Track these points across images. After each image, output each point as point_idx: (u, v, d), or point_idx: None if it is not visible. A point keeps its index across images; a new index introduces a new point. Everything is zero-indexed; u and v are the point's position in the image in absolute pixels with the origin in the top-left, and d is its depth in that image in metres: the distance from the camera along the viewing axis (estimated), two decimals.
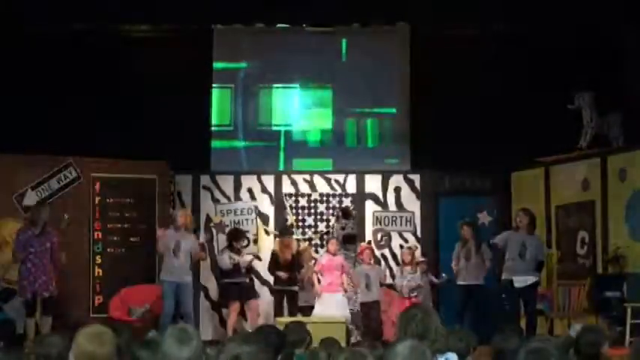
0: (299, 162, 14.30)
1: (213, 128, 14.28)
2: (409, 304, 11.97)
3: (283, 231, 13.23)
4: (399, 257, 13.62)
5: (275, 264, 12.57)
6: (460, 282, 12.06)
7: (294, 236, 13.31)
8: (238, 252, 12.42)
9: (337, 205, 13.89)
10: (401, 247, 13.51)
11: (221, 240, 13.63)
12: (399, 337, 4.10)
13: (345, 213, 13.25)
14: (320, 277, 11.90)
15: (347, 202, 13.92)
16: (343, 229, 12.96)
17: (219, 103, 14.33)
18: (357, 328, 12.03)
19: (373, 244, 13.36)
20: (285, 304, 12.48)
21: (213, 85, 14.31)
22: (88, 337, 4.00)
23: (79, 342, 4.00)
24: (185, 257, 11.54)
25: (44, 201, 12.06)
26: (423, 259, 12.76)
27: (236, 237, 12.59)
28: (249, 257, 12.54)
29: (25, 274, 10.87)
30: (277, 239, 13.00)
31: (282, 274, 12.39)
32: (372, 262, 12.53)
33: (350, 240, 12.73)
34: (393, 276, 13.17)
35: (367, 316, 12.07)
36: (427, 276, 12.61)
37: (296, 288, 12.48)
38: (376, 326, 12.06)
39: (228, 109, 14.34)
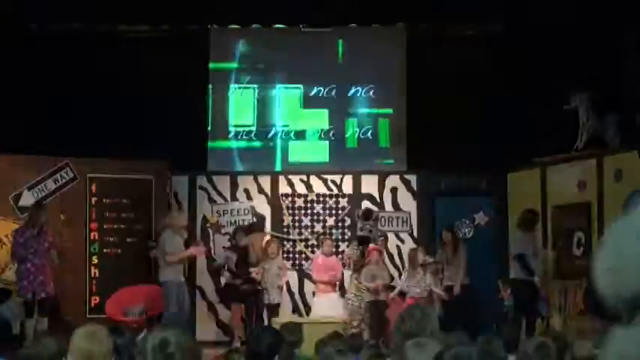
0: (295, 162, 14.30)
1: (209, 129, 14.28)
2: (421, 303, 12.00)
3: (254, 227, 13.11)
4: (395, 257, 13.65)
5: (244, 261, 12.40)
6: (445, 283, 12.29)
7: (269, 234, 13.15)
8: None
9: (334, 206, 13.90)
10: (397, 247, 13.53)
11: (217, 240, 13.66)
12: (394, 335, 4.17)
13: (365, 214, 13.16)
14: (315, 277, 11.93)
15: (343, 202, 13.92)
16: (361, 229, 12.88)
17: (216, 104, 14.33)
18: (348, 323, 11.88)
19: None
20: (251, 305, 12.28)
21: (210, 85, 14.31)
22: (84, 336, 4.01)
23: (75, 341, 4.02)
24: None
25: (41, 201, 12.06)
26: (431, 260, 12.59)
27: None
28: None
29: (24, 274, 10.91)
30: (247, 236, 12.77)
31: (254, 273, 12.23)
32: (378, 262, 12.32)
33: (364, 241, 12.60)
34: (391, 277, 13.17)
35: (373, 315, 11.92)
36: (437, 278, 12.46)
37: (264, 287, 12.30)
38: (381, 325, 11.92)
39: (224, 110, 14.34)
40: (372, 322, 11.94)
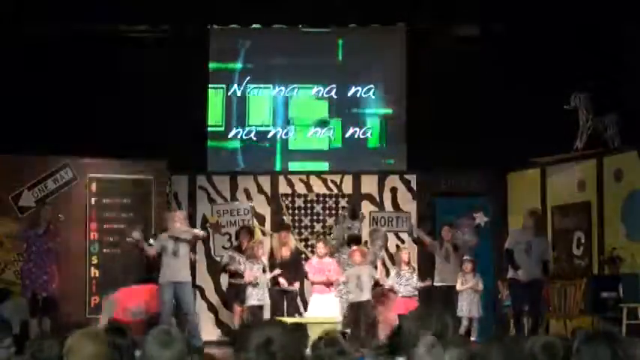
0: (295, 162, 14.31)
1: (209, 129, 14.27)
2: (413, 303, 11.94)
3: (279, 226, 13.07)
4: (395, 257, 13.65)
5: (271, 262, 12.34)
6: (439, 283, 12.07)
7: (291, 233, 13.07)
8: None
9: (334, 206, 13.89)
10: (397, 247, 13.52)
11: (217, 240, 13.66)
12: (417, 334, 4.13)
13: (353, 214, 13.09)
14: (310, 278, 11.91)
15: (343, 202, 13.91)
16: (349, 229, 12.82)
17: (215, 104, 14.33)
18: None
19: (369, 245, 13.28)
20: (284, 305, 12.29)
21: (209, 85, 14.30)
22: (83, 337, 3.98)
23: (73, 343, 3.98)
24: (184, 257, 11.40)
25: (42, 201, 12.08)
26: (469, 258, 12.26)
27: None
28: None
29: (26, 273, 10.94)
30: (274, 235, 12.76)
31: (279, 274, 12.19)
32: (362, 263, 12.14)
33: (355, 241, 12.47)
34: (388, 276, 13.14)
35: (356, 316, 11.63)
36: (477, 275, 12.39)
37: (295, 288, 12.34)
38: (368, 325, 11.79)
39: (224, 110, 14.34)
40: (353, 322, 11.66)
